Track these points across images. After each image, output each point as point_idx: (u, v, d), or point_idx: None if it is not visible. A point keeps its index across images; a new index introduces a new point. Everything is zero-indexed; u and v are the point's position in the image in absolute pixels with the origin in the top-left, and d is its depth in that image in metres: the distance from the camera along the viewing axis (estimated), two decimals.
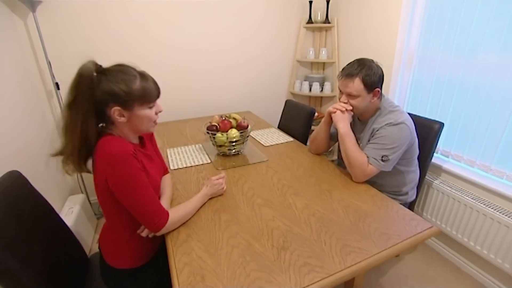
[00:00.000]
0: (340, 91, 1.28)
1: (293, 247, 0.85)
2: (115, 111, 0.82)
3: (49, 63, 1.76)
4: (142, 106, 0.86)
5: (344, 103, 1.26)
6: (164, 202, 1.00)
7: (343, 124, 1.26)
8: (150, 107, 0.89)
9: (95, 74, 0.80)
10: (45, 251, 0.90)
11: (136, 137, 0.96)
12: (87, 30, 1.86)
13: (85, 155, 0.85)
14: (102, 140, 0.82)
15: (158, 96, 0.90)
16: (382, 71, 1.23)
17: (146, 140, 1.03)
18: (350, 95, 1.23)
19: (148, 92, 0.85)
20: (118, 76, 0.81)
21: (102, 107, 0.82)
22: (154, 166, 1.01)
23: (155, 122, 0.93)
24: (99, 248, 1.00)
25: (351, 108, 1.26)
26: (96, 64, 0.82)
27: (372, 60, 1.23)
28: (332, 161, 1.46)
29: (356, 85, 1.19)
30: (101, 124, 0.87)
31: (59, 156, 0.84)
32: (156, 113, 0.92)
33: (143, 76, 0.86)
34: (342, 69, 1.25)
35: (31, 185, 0.97)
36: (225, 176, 1.17)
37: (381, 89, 1.24)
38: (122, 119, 0.84)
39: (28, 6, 1.58)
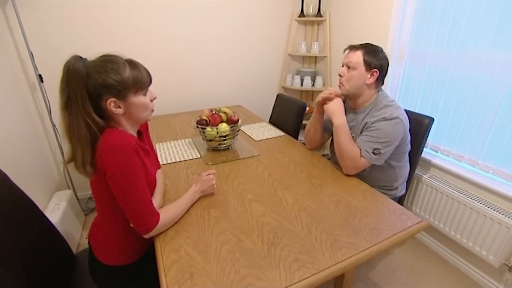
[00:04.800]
0: (343, 65, 1.29)
1: (283, 243, 0.84)
2: (110, 102, 0.80)
3: (31, 54, 1.69)
4: (136, 94, 0.85)
5: (340, 76, 1.28)
6: (158, 197, 0.98)
7: (337, 116, 1.25)
8: (144, 94, 0.88)
9: (83, 68, 0.76)
10: (26, 248, 0.86)
11: (135, 130, 0.94)
12: (71, 20, 1.78)
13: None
14: (105, 133, 0.80)
15: (150, 82, 0.89)
16: (388, 63, 1.25)
17: (143, 134, 1.02)
18: (348, 66, 1.24)
19: (140, 78, 0.84)
20: (107, 66, 0.79)
21: (97, 101, 0.79)
22: (150, 161, 0.99)
23: (152, 109, 0.92)
24: (88, 244, 0.97)
25: (340, 93, 1.28)
26: (81, 58, 0.78)
27: (382, 49, 1.25)
28: (323, 155, 1.45)
29: (357, 56, 1.22)
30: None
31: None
32: (151, 100, 0.91)
33: (131, 63, 0.84)
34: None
35: (11, 181, 0.93)
36: (215, 172, 1.14)
37: (380, 76, 1.24)
38: (119, 110, 0.83)
39: None
